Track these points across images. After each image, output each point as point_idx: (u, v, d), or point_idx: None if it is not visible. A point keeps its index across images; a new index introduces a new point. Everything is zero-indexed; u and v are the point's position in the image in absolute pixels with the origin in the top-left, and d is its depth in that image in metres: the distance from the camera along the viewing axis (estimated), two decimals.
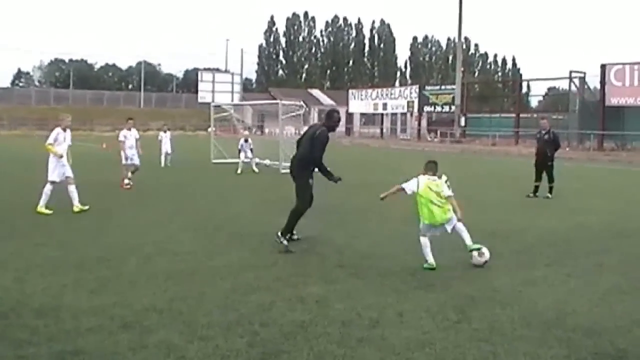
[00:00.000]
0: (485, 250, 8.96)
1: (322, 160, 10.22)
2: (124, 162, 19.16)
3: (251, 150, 25.20)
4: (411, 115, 71.47)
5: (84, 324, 6.18)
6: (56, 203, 13.43)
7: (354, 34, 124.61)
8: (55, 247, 9.83)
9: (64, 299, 7.04)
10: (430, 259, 8.75)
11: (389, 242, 10.61)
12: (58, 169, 13.65)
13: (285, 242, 9.87)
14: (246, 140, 25.26)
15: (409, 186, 9.04)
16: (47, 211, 13.27)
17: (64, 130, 13.82)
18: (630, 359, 5.60)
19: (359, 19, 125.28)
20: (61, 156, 13.60)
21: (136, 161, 19.22)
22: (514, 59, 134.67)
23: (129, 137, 19.35)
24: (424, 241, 8.88)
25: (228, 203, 15.62)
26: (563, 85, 67.64)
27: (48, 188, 13.54)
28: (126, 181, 18.65)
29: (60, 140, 13.70)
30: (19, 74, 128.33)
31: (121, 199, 15.35)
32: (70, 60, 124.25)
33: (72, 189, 13.71)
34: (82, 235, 11.02)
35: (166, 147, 27.69)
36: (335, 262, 8.91)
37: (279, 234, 9.98)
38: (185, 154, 32.20)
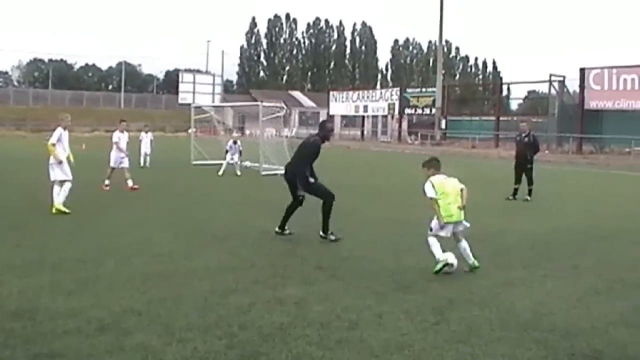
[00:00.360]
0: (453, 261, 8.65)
1: (307, 167, 10.71)
2: (112, 164, 18.90)
3: (240, 152, 25.09)
4: (392, 117, 71.72)
5: (60, 326, 6.12)
6: (36, 204, 13.36)
7: (335, 36, 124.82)
8: (33, 249, 9.74)
9: (40, 301, 6.97)
10: (441, 255, 8.58)
11: (368, 245, 10.63)
12: (64, 167, 13.58)
13: (331, 236, 10.69)
14: (235, 142, 25.14)
15: (430, 194, 8.78)
16: (66, 209, 13.30)
17: (64, 129, 13.78)
18: None
19: (340, 21, 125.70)
20: (61, 162, 13.50)
21: (125, 164, 18.93)
22: (494, 63, 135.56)
23: (122, 139, 19.15)
24: (433, 240, 8.70)
25: (207, 204, 15.56)
26: (543, 88, 67.89)
27: (67, 186, 13.55)
28: (107, 182, 18.45)
29: (63, 140, 13.65)
30: None
31: (99, 200, 15.27)
32: (50, 60, 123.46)
33: (58, 190, 13.60)
34: (60, 236, 10.92)
35: (145, 147, 27.61)
36: (314, 264, 8.90)
37: (321, 233, 10.74)
38: (165, 155, 32.06)
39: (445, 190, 8.77)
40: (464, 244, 8.84)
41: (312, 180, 10.73)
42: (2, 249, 9.69)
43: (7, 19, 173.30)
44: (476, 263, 8.81)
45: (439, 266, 8.49)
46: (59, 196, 13.47)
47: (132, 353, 5.51)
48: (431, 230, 8.80)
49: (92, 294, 7.28)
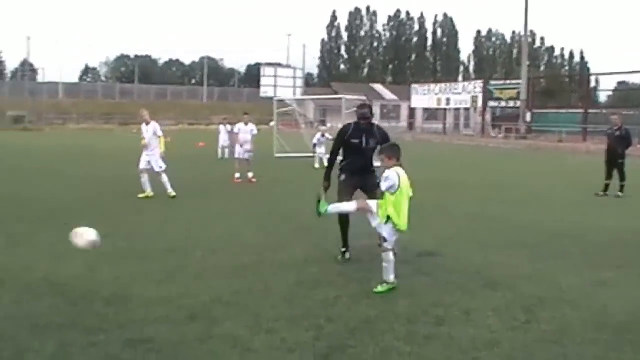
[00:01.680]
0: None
1: (335, 157, 9.12)
2: (236, 156, 19.37)
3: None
4: (475, 110, 70.59)
5: (152, 314, 6.29)
6: (124, 195, 13.76)
7: (416, 28, 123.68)
8: (123, 238, 10.03)
9: (132, 289, 7.18)
10: (393, 277, 7.41)
11: (452, 240, 10.47)
12: (142, 158, 14.89)
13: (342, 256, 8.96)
14: (323, 135, 25.30)
15: (394, 181, 7.24)
16: (148, 193, 14.83)
17: (147, 124, 15.03)
18: None
19: (421, 13, 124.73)
20: (144, 146, 14.95)
21: (247, 156, 19.18)
22: (581, 53, 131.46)
23: (243, 131, 19.49)
24: (392, 257, 7.37)
25: (290, 197, 15.65)
26: (634, 79, 65.72)
27: (143, 177, 14.89)
28: (237, 175, 18.79)
29: (144, 133, 15.06)
30: (87, 70, 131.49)
31: (184, 192, 15.54)
32: (136, 56, 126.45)
33: (144, 175, 14.84)
34: (148, 226, 11.23)
35: (224, 140, 28.04)
36: (400, 259, 8.76)
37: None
38: None
39: (403, 189, 7.33)
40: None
41: (342, 177, 8.98)
42: None
43: (96, 17, 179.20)
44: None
45: (384, 289, 7.29)
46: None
47: (221, 342, 5.59)
48: (385, 240, 7.42)
49: (182, 283, 7.45)
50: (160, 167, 14.85)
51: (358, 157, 8.85)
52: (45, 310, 6.38)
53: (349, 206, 8.02)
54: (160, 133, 14.98)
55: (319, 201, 8.03)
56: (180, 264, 8.43)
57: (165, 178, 14.81)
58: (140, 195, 14.44)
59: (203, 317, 6.22)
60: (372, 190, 8.48)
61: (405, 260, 8.73)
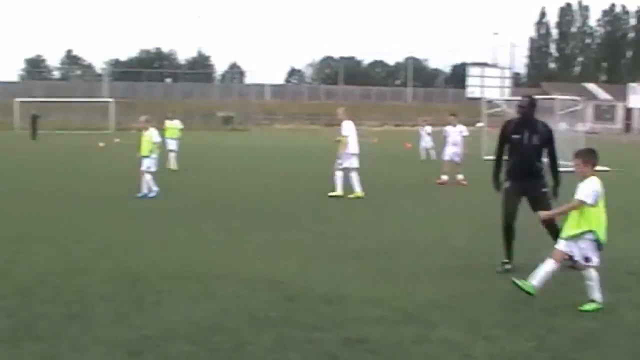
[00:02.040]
0: None
1: (500, 156, 8.49)
2: (445, 157, 19.05)
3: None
4: None
5: (367, 314, 6.36)
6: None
7: (633, 23, 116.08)
8: (335, 237, 10.27)
9: (346, 288, 7.30)
10: (599, 295, 6.62)
11: None
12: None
13: (499, 268, 8.22)
14: None
15: (596, 194, 6.57)
16: (358, 193, 14.92)
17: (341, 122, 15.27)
18: None
19: (639, 7, 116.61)
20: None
21: (457, 159, 18.90)
22: None
23: (451, 133, 19.24)
24: (594, 274, 6.60)
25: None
26: None
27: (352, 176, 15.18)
28: (444, 177, 18.42)
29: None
30: (292, 72, 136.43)
31: (394, 192, 15.65)
32: (340, 57, 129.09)
33: (350, 175, 15.01)
34: (360, 226, 11.40)
35: (426, 141, 27.76)
36: (624, 269, 8.21)
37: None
38: None
39: (601, 199, 6.65)
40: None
41: (506, 184, 8.36)
42: (306, 237, 10.39)
43: (301, 20, 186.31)
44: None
45: (591, 307, 6.53)
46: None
47: (438, 346, 5.55)
48: (588, 260, 6.60)
49: (395, 284, 7.48)
50: (339, 165, 14.97)
51: (519, 156, 8.18)
52: (262, 304, 6.65)
53: (549, 265, 6.87)
54: (343, 132, 15.02)
55: (518, 286, 6.92)
56: (393, 264, 8.49)
57: (336, 175, 14.96)
58: (350, 195, 14.69)
59: (419, 319, 6.20)
60: (539, 201, 7.97)
61: (629, 270, 8.24)
